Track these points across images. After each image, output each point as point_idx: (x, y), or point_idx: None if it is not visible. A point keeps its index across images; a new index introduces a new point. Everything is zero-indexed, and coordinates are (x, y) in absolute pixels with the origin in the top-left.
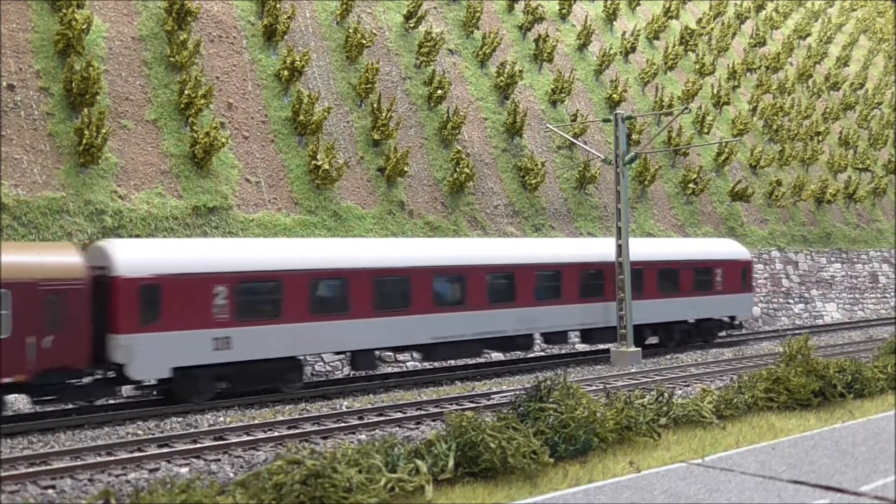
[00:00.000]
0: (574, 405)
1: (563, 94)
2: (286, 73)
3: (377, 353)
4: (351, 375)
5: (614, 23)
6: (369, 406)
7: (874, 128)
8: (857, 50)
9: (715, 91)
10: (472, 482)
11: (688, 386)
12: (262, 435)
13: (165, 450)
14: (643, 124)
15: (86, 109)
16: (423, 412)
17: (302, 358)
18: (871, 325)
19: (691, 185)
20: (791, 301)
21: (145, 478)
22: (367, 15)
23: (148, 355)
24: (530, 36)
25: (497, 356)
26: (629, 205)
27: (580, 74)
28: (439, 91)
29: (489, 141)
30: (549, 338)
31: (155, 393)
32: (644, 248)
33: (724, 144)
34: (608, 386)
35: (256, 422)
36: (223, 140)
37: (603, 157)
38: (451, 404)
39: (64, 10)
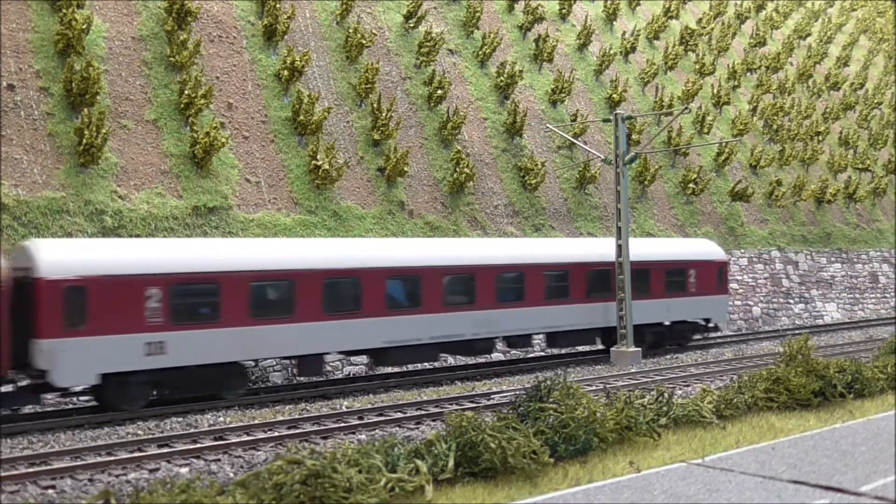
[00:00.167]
0: (574, 405)
1: (563, 94)
2: (286, 73)
3: (325, 358)
4: (351, 375)
5: (614, 23)
6: (369, 406)
7: (874, 128)
8: (857, 50)
9: (715, 91)
10: (472, 482)
11: (688, 386)
12: (262, 435)
13: (165, 450)
14: (643, 124)
15: (86, 109)
16: (423, 412)
17: (246, 363)
18: (871, 325)
19: (691, 185)
20: (791, 301)
21: (145, 478)
22: (367, 15)
23: (73, 361)
24: (530, 36)
25: (497, 356)
26: (629, 205)
27: (580, 74)
28: (439, 91)
29: (489, 141)
30: (512, 341)
31: (82, 400)
32: (613, 249)
33: (724, 144)
34: (608, 386)
35: (256, 422)
36: (223, 140)
37: (603, 157)
38: (451, 404)
39: (64, 10)
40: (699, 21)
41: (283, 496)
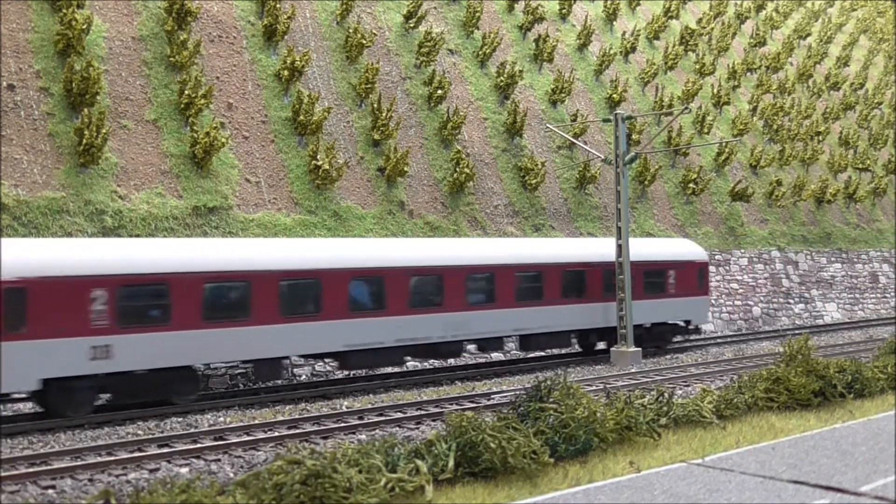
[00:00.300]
0: (574, 405)
1: (563, 94)
2: (286, 73)
3: (285, 362)
4: (351, 376)
5: (614, 23)
6: (369, 406)
7: (874, 128)
8: (857, 50)
9: (715, 91)
10: (472, 482)
11: (688, 386)
12: (262, 435)
13: (165, 450)
14: (643, 124)
15: (86, 109)
16: (423, 412)
17: (198, 367)
18: (871, 325)
19: (691, 185)
20: (791, 301)
21: (145, 478)
22: (367, 15)
23: (12, 366)
24: (530, 36)
25: (497, 356)
26: (629, 205)
27: (580, 74)
28: (439, 91)
29: (489, 141)
30: (482, 345)
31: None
32: (591, 249)
33: (724, 144)
34: (608, 386)
35: (256, 422)
36: (223, 140)
37: (603, 157)
38: (452, 404)
39: (64, 10)
40: (699, 21)
41: (284, 496)
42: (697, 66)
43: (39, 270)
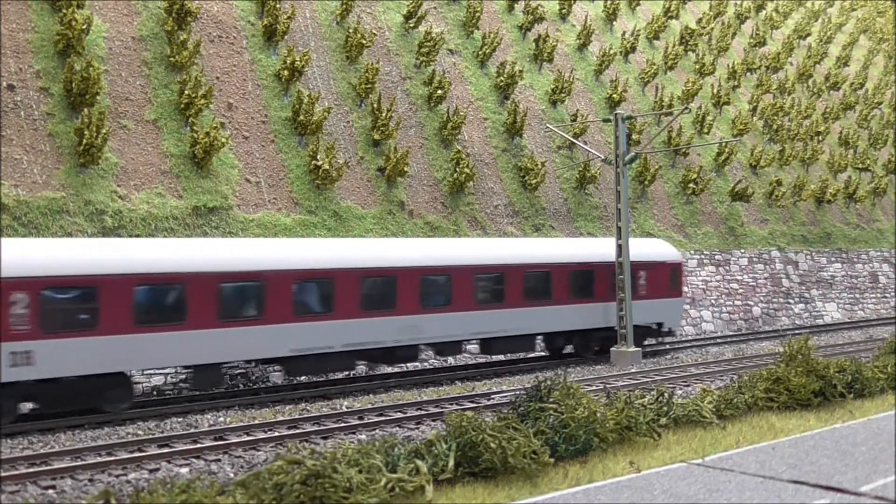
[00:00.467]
0: (574, 405)
1: (563, 94)
2: (286, 73)
3: (224, 368)
4: (351, 376)
5: (614, 23)
6: (369, 406)
7: (874, 128)
8: (857, 50)
9: (715, 91)
10: (472, 482)
11: (688, 386)
12: (262, 435)
13: (165, 450)
14: (643, 124)
15: (86, 109)
16: (423, 412)
17: (130, 374)
18: (871, 325)
19: (691, 185)
20: (791, 301)
21: (145, 478)
22: (367, 15)
23: None
24: (530, 36)
25: (497, 356)
26: (629, 205)
27: (580, 74)
28: (439, 91)
29: (489, 141)
30: (439, 349)
31: None
32: (555, 249)
33: (724, 144)
34: (608, 386)
35: (256, 422)
36: (223, 140)
37: (603, 157)
38: (452, 404)
39: (64, 11)
40: (699, 21)
41: (284, 496)
42: (697, 66)
43: None
